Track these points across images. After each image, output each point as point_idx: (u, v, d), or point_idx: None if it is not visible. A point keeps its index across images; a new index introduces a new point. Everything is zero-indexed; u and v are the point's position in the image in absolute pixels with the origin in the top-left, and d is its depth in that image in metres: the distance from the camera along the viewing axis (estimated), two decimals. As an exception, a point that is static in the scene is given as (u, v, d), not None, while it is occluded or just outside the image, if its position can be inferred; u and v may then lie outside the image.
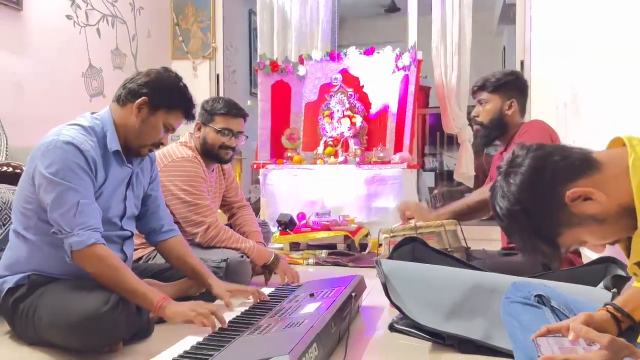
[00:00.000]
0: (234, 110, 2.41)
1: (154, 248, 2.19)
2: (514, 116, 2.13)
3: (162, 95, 1.65)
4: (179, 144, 2.38)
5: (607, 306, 1.11)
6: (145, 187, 1.83)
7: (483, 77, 2.18)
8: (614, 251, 1.74)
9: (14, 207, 1.63)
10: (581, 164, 1.03)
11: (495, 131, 2.15)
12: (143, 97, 1.63)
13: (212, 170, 2.50)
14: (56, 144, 1.51)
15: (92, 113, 1.69)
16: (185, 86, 1.72)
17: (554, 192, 1.02)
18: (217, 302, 1.78)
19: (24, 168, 2.10)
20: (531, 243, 1.07)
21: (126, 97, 1.65)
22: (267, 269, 2.35)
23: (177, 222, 2.07)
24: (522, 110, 2.17)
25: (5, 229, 1.81)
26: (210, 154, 2.40)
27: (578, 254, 2.04)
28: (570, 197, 1.00)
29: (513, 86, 2.14)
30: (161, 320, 1.73)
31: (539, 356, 0.95)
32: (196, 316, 1.47)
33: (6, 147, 2.49)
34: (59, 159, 1.50)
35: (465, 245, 1.97)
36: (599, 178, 1.01)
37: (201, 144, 2.39)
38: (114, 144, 1.63)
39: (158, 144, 1.71)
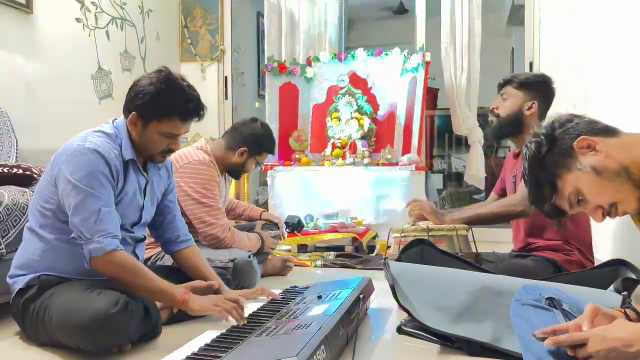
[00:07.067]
0: (274, 149, 2.62)
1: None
2: (532, 118, 2.08)
3: (148, 105, 1.61)
4: (196, 148, 2.40)
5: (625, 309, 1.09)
6: (159, 196, 1.84)
7: (513, 73, 2.17)
8: (623, 253, 1.72)
9: (32, 206, 1.65)
10: (603, 127, 1.23)
11: (510, 127, 2.12)
12: (132, 113, 1.63)
13: (222, 175, 2.53)
14: (82, 150, 1.54)
15: (114, 120, 1.70)
16: (174, 88, 1.61)
17: (572, 138, 1.20)
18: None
19: (34, 170, 2.12)
20: (535, 181, 1.25)
21: (124, 110, 1.67)
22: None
23: (188, 223, 2.08)
24: (542, 115, 2.13)
25: (16, 231, 1.82)
26: (234, 173, 2.53)
27: (588, 258, 2.02)
28: (578, 144, 1.19)
29: (539, 89, 2.10)
30: (169, 322, 1.74)
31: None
32: (221, 311, 1.52)
33: (16, 149, 2.51)
34: (84, 166, 1.52)
35: (476, 251, 1.96)
36: (612, 141, 1.18)
37: (233, 164, 2.47)
38: (127, 154, 1.64)
39: (167, 151, 1.70)
